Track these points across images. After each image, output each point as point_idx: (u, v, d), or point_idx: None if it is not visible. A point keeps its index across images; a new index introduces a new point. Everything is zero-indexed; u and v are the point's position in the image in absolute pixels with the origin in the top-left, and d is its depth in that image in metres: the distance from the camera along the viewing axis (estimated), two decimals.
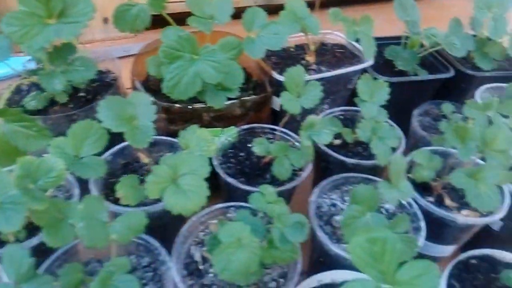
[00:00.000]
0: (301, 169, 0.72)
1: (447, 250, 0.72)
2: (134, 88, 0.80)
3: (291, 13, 0.80)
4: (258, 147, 0.67)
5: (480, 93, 0.92)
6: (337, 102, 0.99)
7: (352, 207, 0.52)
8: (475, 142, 0.60)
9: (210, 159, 0.70)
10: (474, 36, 0.99)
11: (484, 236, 0.78)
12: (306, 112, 0.93)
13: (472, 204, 0.56)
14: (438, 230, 0.68)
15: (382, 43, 1.08)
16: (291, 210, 0.81)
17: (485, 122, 0.73)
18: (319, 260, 0.66)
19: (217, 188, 0.76)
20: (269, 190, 0.57)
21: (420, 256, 0.74)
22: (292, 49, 1.00)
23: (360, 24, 0.81)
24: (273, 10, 0.92)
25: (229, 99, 0.75)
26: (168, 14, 0.77)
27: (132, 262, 0.59)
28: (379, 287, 0.42)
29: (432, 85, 0.99)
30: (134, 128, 0.58)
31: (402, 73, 0.98)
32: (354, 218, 0.51)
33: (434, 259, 0.75)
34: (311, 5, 0.95)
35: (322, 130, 0.64)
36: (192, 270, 0.57)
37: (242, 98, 0.76)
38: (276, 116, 0.97)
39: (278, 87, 0.89)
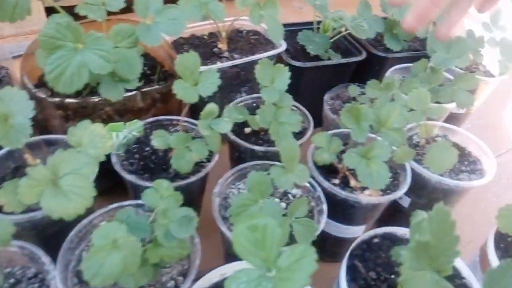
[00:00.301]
0: (209, 160, 0.69)
1: (359, 230, 0.73)
2: (24, 84, 0.73)
3: None
4: (157, 140, 0.63)
5: (389, 74, 0.94)
6: (255, 90, 0.97)
7: (243, 196, 0.50)
8: (368, 122, 0.60)
9: (109, 156, 0.66)
10: (385, 18, 1.01)
11: (396, 213, 0.80)
12: (220, 100, 0.90)
13: (363, 183, 0.56)
14: (347, 211, 0.68)
15: (299, 28, 1.08)
16: (205, 203, 0.79)
17: (387, 101, 0.74)
18: (228, 253, 0.64)
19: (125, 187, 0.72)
20: (163, 185, 0.54)
21: (334, 238, 0.75)
22: (205, 37, 0.97)
23: (265, 8, 0.79)
24: None
25: (129, 90, 0.70)
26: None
27: (16, 274, 0.54)
28: (263, 275, 0.41)
29: (346, 68, 1.00)
30: (7, 127, 0.53)
31: (318, 58, 0.98)
32: (246, 207, 0.50)
33: (349, 240, 0.76)
34: None
35: (222, 119, 0.61)
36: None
37: (143, 89, 0.72)
38: (196, 107, 0.94)
39: None
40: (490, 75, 1.02)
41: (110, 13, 0.72)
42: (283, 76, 0.68)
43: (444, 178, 0.68)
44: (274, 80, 0.67)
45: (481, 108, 1.27)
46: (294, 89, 1.01)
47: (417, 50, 1.06)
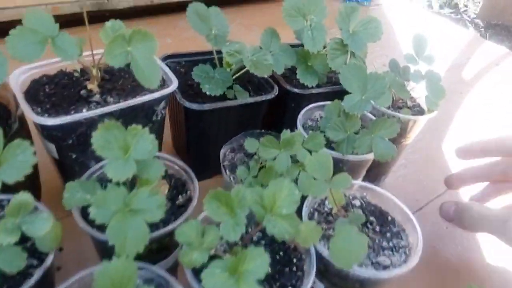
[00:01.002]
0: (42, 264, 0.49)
1: None
2: None
3: (29, 32, 0.57)
4: None
5: (303, 115, 0.79)
6: None
7: None
8: (245, 212, 0.44)
9: None
10: (298, 46, 0.87)
11: None
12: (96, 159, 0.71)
13: None
14: None
15: (204, 58, 0.91)
16: None
17: (286, 163, 0.59)
18: None
19: None
20: None
21: None
22: (76, 73, 0.77)
23: (133, 43, 0.61)
24: (108, 16, 0.68)
25: None
26: None
27: None
28: None
29: (256, 108, 0.84)
30: None
31: (223, 96, 0.80)
32: None
33: None
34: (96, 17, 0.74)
35: (38, 215, 0.43)
36: None
37: None
38: (63, 168, 0.74)
39: (49, 131, 0.66)
40: (420, 110, 0.90)
41: None
42: (143, 142, 0.50)
43: (356, 267, 0.52)
44: (128, 149, 0.49)
45: (416, 141, 1.16)
46: (193, 136, 0.84)
47: (339, 83, 0.92)
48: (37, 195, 0.74)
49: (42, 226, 0.43)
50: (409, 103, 0.90)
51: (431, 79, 0.81)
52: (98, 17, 0.66)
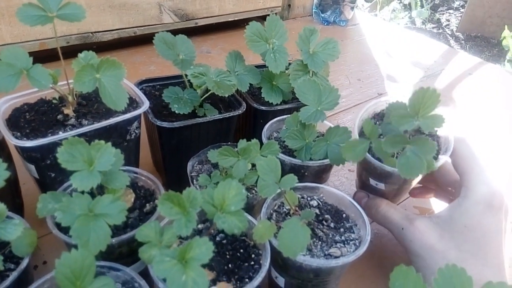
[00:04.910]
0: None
1: None
2: None
3: (4, 66, 0.63)
4: None
5: (267, 129, 0.85)
6: (130, 161, 0.85)
7: None
8: (196, 209, 0.49)
9: None
10: (263, 67, 0.94)
11: None
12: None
13: None
14: None
15: (174, 82, 0.98)
16: None
17: (244, 169, 0.64)
18: None
19: None
20: None
21: None
22: (55, 101, 0.84)
23: (102, 70, 0.68)
24: (96, 49, 0.76)
25: None
26: None
27: None
28: None
29: (226, 123, 0.90)
30: None
31: (193, 114, 0.87)
32: None
33: None
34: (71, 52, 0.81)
35: (10, 222, 0.48)
36: None
37: None
38: (44, 187, 0.79)
39: (28, 153, 0.72)
40: None
41: None
42: (107, 155, 0.55)
43: (306, 258, 0.57)
44: (92, 162, 0.55)
45: None
46: (167, 153, 0.90)
47: None
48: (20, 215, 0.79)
49: (14, 230, 0.48)
50: None
51: (416, 148, 0.55)
52: (87, 50, 0.74)
